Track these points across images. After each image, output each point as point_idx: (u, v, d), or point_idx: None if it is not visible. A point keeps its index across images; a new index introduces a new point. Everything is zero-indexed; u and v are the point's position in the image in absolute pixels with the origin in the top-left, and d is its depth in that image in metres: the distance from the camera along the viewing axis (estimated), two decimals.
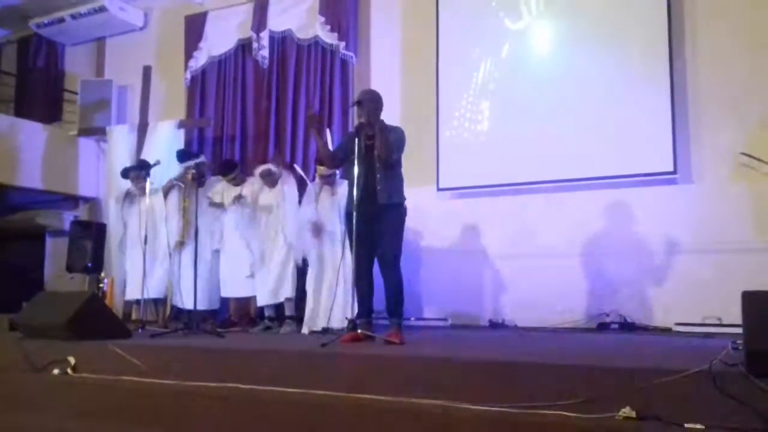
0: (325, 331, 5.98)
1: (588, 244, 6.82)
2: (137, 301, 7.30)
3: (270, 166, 6.93)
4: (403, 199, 5.24)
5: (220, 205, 7.16)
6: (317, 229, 6.39)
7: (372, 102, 5.19)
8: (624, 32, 6.81)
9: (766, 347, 2.71)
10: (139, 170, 7.33)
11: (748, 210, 6.19)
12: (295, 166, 7.26)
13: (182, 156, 7.45)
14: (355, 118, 5.71)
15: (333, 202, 6.38)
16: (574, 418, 2.73)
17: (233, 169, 7.28)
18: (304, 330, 6.30)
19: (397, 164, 5.25)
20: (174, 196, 7.37)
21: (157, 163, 6.97)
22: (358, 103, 5.20)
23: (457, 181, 7.53)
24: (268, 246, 6.77)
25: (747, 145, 6.18)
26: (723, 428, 2.50)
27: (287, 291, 6.62)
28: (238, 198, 6.98)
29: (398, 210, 5.19)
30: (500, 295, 7.18)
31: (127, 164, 8.49)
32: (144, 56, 9.78)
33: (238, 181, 7.22)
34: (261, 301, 6.82)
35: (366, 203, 5.00)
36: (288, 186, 6.83)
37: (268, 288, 6.71)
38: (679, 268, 6.40)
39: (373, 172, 5.10)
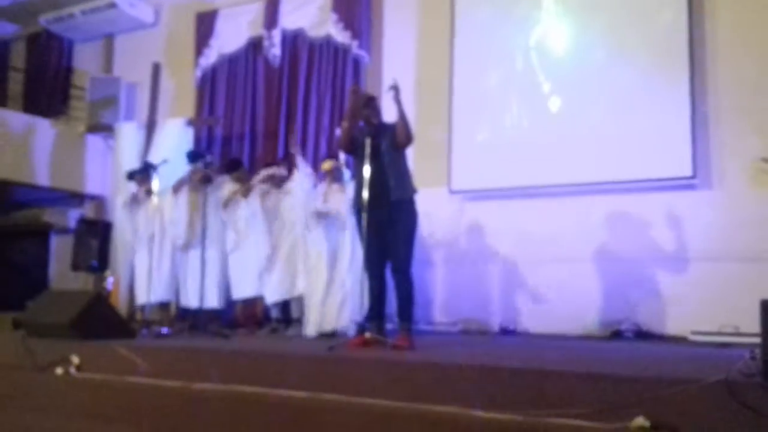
0: (333, 334, 5.92)
1: (603, 249, 6.71)
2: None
3: (272, 171, 6.90)
4: (414, 191, 5.16)
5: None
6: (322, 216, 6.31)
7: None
8: (643, 35, 6.70)
9: None
10: (144, 172, 7.26)
11: None
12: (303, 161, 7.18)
13: (192, 156, 7.38)
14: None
15: (342, 200, 6.27)
16: (587, 427, 2.70)
17: (238, 168, 7.24)
18: (310, 330, 6.18)
19: (404, 156, 5.22)
20: (183, 196, 7.30)
21: (164, 162, 6.93)
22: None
23: (470, 184, 7.42)
24: (280, 243, 6.73)
25: None
26: None
27: (299, 288, 6.56)
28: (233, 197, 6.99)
29: (410, 210, 5.10)
30: (512, 300, 7.06)
31: (135, 162, 8.44)
32: (153, 53, 9.76)
33: (243, 179, 7.14)
34: (270, 298, 6.75)
35: (378, 203, 4.90)
36: (296, 182, 6.78)
37: (277, 284, 6.66)
38: (695, 275, 6.28)
39: (383, 169, 5.01)
